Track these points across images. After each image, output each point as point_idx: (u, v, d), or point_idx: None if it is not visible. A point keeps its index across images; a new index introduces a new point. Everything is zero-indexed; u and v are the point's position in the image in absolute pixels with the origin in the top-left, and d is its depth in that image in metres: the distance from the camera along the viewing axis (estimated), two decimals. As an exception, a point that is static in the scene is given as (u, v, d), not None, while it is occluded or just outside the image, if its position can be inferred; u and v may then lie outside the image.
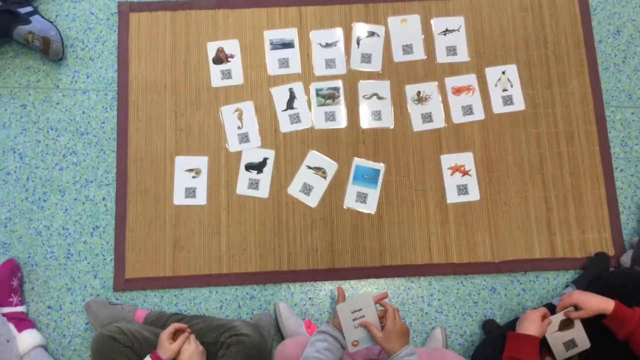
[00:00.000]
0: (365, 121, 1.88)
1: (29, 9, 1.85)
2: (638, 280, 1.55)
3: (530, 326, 1.42)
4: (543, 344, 1.44)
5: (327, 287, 1.77)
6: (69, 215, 1.81)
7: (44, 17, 1.86)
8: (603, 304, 1.40)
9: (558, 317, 1.45)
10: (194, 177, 1.83)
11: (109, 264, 1.77)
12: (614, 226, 1.80)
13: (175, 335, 1.46)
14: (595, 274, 1.71)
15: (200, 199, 1.81)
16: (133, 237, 1.79)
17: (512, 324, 1.56)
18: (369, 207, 1.82)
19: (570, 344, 1.45)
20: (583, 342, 1.45)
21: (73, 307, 1.74)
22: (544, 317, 1.44)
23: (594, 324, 1.44)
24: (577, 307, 1.44)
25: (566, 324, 1.45)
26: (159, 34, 1.93)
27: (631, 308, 1.39)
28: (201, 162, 1.84)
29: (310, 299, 1.76)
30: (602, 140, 1.86)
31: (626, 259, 1.71)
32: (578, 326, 1.45)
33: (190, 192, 1.82)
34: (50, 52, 1.83)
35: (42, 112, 1.87)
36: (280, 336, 1.67)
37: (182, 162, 1.84)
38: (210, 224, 1.80)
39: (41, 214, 1.80)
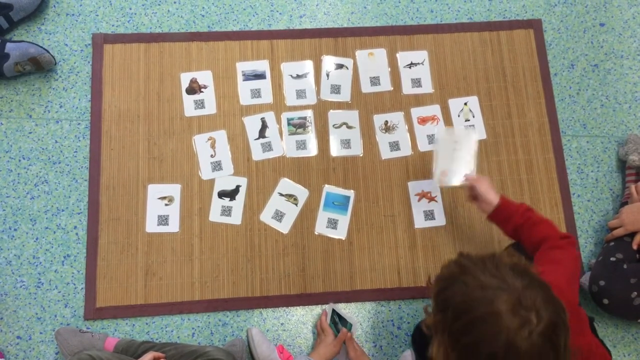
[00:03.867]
0: (335, 149, 1.93)
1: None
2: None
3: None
4: None
5: (299, 312, 1.79)
6: (39, 244, 1.80)
7: (14, 41, 1.87)
8: (492, 196, 1.52)
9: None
10: (166, 204, 1.85)
11: (79, 292, 1.77)
12: (573, 249, 1.88)
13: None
14: (556, 294, 1.78)
15: (173, 226, 1.83)
16: (104, 266, 1.79)
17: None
18: (340, 233, 1.86)
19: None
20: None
21: (43, 336, 1.72)
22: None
23: None
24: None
25: None
26: (132, 64, 1.97)
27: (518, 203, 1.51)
28: (174, 189, 1.86)
29: (282, 324, 1.78)
30: (559, 167, 1.96)
31: (585, 280, 1.78)
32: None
33: (163, 220, 1.83)
34: (44, 65, 1.88)
35: (14, 141, 1.88)
36: (253, 362, 1.69)
37: (155, 190, 1.86)
38: (183, 251, 1.81)
39: (11, 243, 1.79)
